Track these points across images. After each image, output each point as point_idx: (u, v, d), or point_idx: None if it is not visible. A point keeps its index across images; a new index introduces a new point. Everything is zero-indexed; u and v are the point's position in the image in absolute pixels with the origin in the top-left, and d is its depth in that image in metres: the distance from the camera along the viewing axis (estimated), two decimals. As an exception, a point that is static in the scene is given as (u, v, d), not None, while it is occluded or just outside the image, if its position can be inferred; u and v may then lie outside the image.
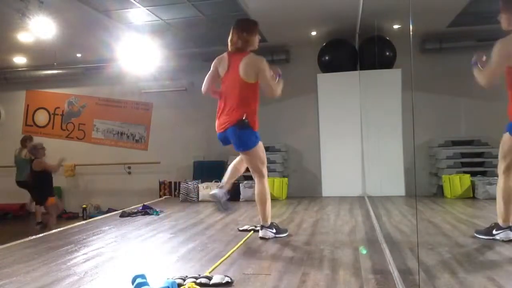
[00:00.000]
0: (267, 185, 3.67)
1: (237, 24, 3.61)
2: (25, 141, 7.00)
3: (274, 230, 3.62)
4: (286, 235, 3.69)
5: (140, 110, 8.80)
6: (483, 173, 6.48)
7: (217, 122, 3.58)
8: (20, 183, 6.87)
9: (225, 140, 3.59)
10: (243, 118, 3.40)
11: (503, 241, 3.14)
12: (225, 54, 3.62)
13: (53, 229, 4.64)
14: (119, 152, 8.82)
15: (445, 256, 2.90)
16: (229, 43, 3.60)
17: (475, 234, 3.42)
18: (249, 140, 3.46)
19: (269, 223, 3.61)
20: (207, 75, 3.69)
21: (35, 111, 9.36)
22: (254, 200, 6.45)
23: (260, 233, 3.61)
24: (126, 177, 8.70)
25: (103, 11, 5.77)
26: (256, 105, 3.55)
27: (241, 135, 3.43)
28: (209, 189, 6.82)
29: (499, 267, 2.60)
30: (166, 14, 5.98)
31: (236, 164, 3.78)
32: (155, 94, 8.46)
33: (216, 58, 3.68)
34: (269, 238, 3.55)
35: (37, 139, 9.09)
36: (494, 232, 3.24)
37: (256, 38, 3.63)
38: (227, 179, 3.72)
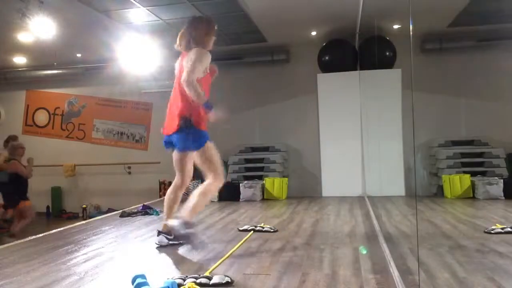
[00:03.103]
0: (217, 187, 3.31)
1: (187, 22, 3.39)
2: (7, 141, 6.42)
3: (171, 236, 3.31)
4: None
5: (140, 110, 8.80)
6: (483, 173, 6.48)
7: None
8: None
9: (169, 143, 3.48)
10: (186, 117, 3.20)
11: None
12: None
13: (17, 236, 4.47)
14: (119, 152, 8.81)
15: (445, 256, 2.90)
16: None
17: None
18: (197, 139, 3.23)
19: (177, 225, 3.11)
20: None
21: (35, 111, 9.36)
22: (254, 200, 6.52)
23: (157, 240, 3.39)
24: (126, 177, 8.70)
25: (103, 11, 5.77)
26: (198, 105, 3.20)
27: (192, 134, 3.22)
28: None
29: (499, 267, 2.60)
30: (166, 14, 5.98)
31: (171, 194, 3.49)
32: (155, 94, 8.45)
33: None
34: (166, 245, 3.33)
35: (37, 139, 9.13)
36: None
37: (205, 37, 3.32)
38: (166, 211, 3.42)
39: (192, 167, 3.48)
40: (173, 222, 3.09)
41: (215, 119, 3.12)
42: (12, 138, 6.56)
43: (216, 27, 3.42)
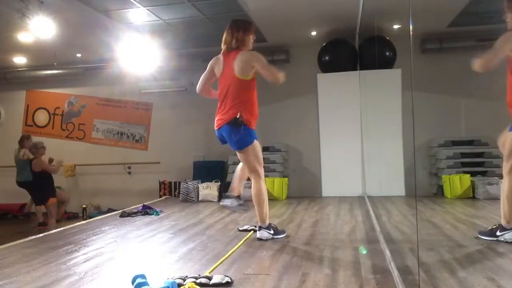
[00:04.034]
0: (264, 185, 3.62)
1: (232, 23, 3.60)
2: (22, 140, 6.83)
3: (271, 231, 3.61)
4: (284, 236, 3.67)
5: (140, 110, 8.80)
6: (483, 173, 6.49)
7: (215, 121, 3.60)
8: (19, 183, 6.87)
9: (222, 139, 3.60)
10: (237, 116, 3.40)
11: (507, 242, 3.13)
12: (220, 55, 3.63)
13: (53, 230, 4.63)
14: (119, 152, 8.81)
15: (445, 256, 2.90)
16: (222, 43, 3.60)
17: (479, 235, 3.40)
18: (242, 139, 3.45)
19: (267, 223, 3.60)
20: (203, 75, 3.73)
21: (35, 111, 9.35)
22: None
23: (258, 234, 3.60)
24: (126, 177, 8.70)
25: (103, 11, 5.77)
26: (253, 103, 3.55)
27: (235, 133, 3.43)
28: (209, 189, 6.84)
29: (499, 267, 2.60)
30: (166, 14, 5.98)
31: (240, 169, 3.79)
32: (155, 94, 8.46)
33: (213, 58, 3.69)
34: (266, 239, 3.55)
35: (37, 139, 9.12)
36: (498, 233, 3.23)
37: (251, 38, 3.61)
38: (235, 184, 3.78)
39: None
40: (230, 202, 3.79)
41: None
42: (26, 138, 6.76)
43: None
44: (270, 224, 3.66)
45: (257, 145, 3.55)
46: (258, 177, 3.57)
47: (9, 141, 8.17)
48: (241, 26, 3.58)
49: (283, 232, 3.74)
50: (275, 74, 3.53)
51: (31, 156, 6.31)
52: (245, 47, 3.56)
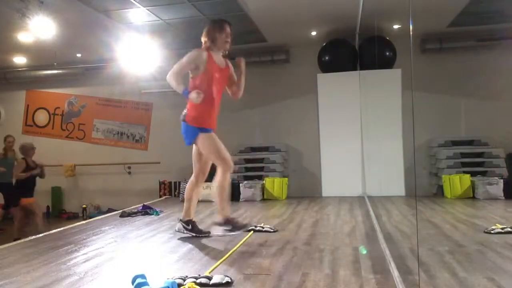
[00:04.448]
0: (227, 177, 3.55)
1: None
2: (4, 140, 6.46)
3: (229, 227, 3.49)
4: (239, 233, 3.52)
5: (140, 110, 8.80)
6: (483, 173, 6.49)
7: None
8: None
9: None
10: (183, 112, 3.54)
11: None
12: None
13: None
14: (119, 152, 8.81)
15: (445, 256, 2.90)
16: None
17: None
18: (185, 134, 3.54)
19: (222, 220, 3.51)
20: None
21: (35, 111, 9.36)
22: (254, 200, 6.52)
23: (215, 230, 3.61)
24: (126, 177, 8.70)
25: (103, 11, 5.77)
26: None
27: (182, 129, 3.56)
28: (209, 189, 6.81)
29: (499, 267, 2.60)
30: (166, 14, 5.98)
31: (216, 187, 3.62)
32: (155, 94, 8.46)
33: None
34: (225, 234, 3.51)
35: (37, 139, 9.11)
36: None
37: (203, 38, 3.62)
38: (218, 207, 3.56)
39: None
40: (218, 231, 3.54)
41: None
42: (7, 137, 6.54)
43: (219, 27, 3.59)
44: (227, 218, 3.51)
45: (206, 137, 3.50)
46: (222, 167, 3.50)
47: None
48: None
49: (244, 226, 3.54)
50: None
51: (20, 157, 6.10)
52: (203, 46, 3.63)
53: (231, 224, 3.50)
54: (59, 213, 8.81)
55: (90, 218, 6.06)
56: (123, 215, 5.33)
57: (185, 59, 3.49)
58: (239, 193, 6.65)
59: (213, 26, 3.59)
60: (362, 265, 2.71)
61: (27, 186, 5.97)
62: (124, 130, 8.90)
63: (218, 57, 3.61)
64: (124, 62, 7.18)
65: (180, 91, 3.42)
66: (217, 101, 3.58)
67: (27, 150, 6.04)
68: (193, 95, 3.32)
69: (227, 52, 3.68)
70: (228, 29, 3.58)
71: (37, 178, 6.15)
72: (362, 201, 6.09)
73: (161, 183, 8.06)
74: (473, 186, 6.17)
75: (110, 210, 7.50)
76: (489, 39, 6.83)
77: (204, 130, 3.50)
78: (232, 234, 3.52)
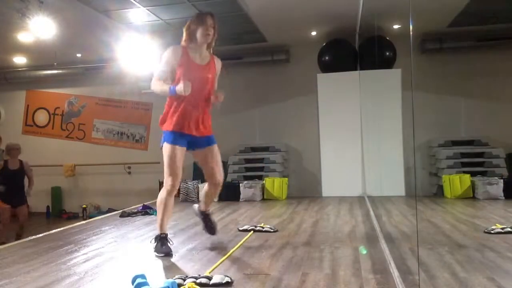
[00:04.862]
0: (166, 196, 3.12)
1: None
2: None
3: (157, 245, 3.12)
4: (162, 256, 3.05)
5: (140, 110, 8.80)
6: (483, 173, 6.48)
7: None
8: None
9: None
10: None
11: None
12: None
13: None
14: (119, 152, 8.82)
15: (445, 256, 2.90)
16: None
17: None
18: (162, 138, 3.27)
19: (159, 232, 3.15)
20: None
21: (35, 111, 9.36)
22: (254, 200, 6.52)
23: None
24: (126, 177, 8.70)
25: (103, 11, 5.77)
26: (168, 103, 3.31)
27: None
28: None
29: (499, 267, 2.60)
30: (166, 14, 5.98)
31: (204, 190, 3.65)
32: (155, 94, 8.43)
33: None
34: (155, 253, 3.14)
35: (37, 139, 9.14)
36: None
37: (185, 32, 3.30)
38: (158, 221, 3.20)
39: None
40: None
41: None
42: None
43: (198, 20, 3.26)
44: (160, 235, 3.13)
45: (167, 149, 3.15)
46: (164, 186, 3.16)
47: (9, 141, 8.16)
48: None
49: (165, 251, 3.07)
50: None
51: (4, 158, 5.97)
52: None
53: (161, 243, 3.10)
54: (59, 213, 8.82)
55: (90, 218, 6.06)
56: (123, 215, 5.33)
57: (161, 61, 3.22)
58: (239, 193, 6.65)
59: (193, 19, 3.26)
60: (362, 265, 2.71)
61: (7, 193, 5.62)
62: (124, 130, 8.90)
63: (199, 53, 3.24)
64: (124, 62, 7.17)
65: (168, 93, 3.12)
66: (201, 102, 3.20)
67: (9, 150, 5.83)
68: (179, 86, 2.98)
69: (211, 49, 3.34)
70: (210, 21, 3.23)
71: (25, 182, 5.93)
72: (362, 201, 6.09)
73: (161, 183, 8.04)
74: (473, 186, 6.17)
75: (110, 210, 7.50)
76: (489, 39, 6.82)
77: (179, 134, 3.17)
78: (156, 255, 3.09)
